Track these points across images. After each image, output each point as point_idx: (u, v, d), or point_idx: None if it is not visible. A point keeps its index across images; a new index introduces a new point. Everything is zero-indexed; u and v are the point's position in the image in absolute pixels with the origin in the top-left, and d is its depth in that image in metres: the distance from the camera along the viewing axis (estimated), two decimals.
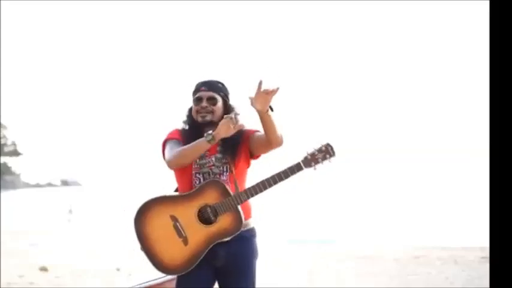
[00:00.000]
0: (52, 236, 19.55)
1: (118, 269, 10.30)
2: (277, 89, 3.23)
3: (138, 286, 4.14)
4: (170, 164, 3.44)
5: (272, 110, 3.32)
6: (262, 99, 3.24)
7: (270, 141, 3.39)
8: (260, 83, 3.25)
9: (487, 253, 11.50)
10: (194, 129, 3.54)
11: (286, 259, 12.52)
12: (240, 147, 3.51)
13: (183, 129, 3.60)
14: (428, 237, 18.23)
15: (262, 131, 3.44)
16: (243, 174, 3.56)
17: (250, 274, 3.45)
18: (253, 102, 3.26)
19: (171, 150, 3.47)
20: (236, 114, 3.42)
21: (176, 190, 3.59)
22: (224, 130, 3.31)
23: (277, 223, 25.88)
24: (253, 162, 3.61)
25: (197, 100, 3.53)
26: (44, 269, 10.56)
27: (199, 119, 3.51)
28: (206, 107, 3.50)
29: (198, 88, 3.56)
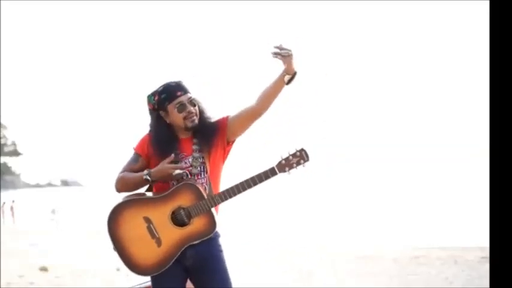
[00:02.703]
0: (52, 236, 19.56)
1: (118, 269, 10.31)
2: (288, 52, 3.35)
3: (138, 286, 4.14)
4: (115, 187, 3.53)
5: (294, 78, 3.40)
6: (289, 59, 3.35)
7: (261, 107, 3.46)
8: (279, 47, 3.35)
9: (487, 253, 11.50)
10: (170, 134, 3.49)
11: (286, 259, 12.52)
12: (215, 139, 3.50)
13: (154, 139, 3.50)
14: (428, 237, 18.23)
15: (234, 112, 3.52)
16: (218, 172, 3.55)
17: (223, 269, 3.46)
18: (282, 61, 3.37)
19: (122, 169, 3.54)
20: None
21: (148, 190, 3.59)
22: (163, 177, 3.39)
23: (277, 222, 25.86)
24: (230, 163, 3.62)
25: (181, 106, 3.44)
26: (44, 269, 10.57)
27: (189, 124, 3.45)
28: (192, 110, 3.46)
29: (173, 94, 3.46)
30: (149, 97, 3.52)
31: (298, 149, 3.43)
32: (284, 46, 3.36)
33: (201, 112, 3.53)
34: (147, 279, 4.03)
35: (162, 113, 3.49)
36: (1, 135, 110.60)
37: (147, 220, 3.37)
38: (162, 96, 3.47)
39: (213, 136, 3.49)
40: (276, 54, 3.35)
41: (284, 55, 3.33)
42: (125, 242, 3.39)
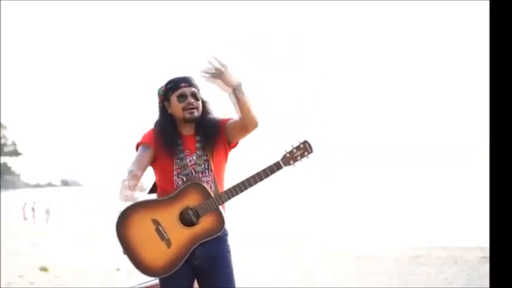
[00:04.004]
0: (52, 236, 19.56)
1: (118, 269, 10.32)
2: (223, 67, 3.28)
3: (138, 286, 4.14)
4: None
5: (239, 89, 3.31)
6: (219, 77, 3.29)
7: (245, 122, 3.40)
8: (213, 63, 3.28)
9: (487, 253, 11.51)
10: (172, 127, 3.49)
11: (286, 259, 12.52)
12: (217, 138, 3.49)
13: (158, 131, 3.52)
14: (428, 237, 18.23)
15: (235, 118, 3.46)
16: (222, 170, 3.55)
17: (229, 270, 3.46)
18: (219, 85, 3.31)
19: (132, 166, 3.49)
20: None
21: (152, 190, 3.59)
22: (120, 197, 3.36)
23: (278, 222, 25.87)
24: (233, 159, 3.61)
25: (181, 97, 3.47)
26: (44, 269, 10.57)
27: (188, 115, 3.46)
28: (193, 103, 3.47)
29: (177, 84, 3.50)
30: (159, 89, 3.57)
31: (302, 141, 3.43)
32: (214, 62, 3.28)
33: (206, 111, 3.53)
34: (147, 279, 4.03)
35: (166, 103, 3.53)
36: (1, 135, 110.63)
37: (156, 222, 3.37)
38: (168, 86, 3.51)
39: (214, 135, 3.48)
40: (205, 76, 3.29)
41: (213, 76, 3.29)
42: (135, 245, 3.38)
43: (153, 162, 3.51)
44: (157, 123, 3.55)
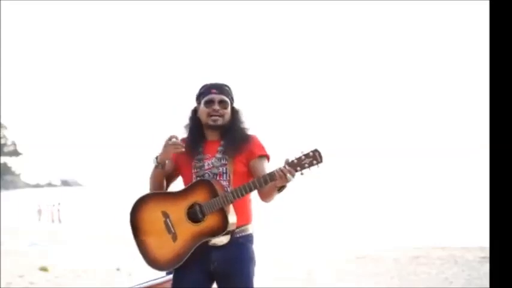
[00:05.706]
0: (52, 236, 19.56)
1: (118, 269, 10.32)
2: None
3: (138, 286, 4.14)
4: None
5: (283, 188, 3.36)
6: (284, 179, 3.29)
7: (260, 196, 3.48)
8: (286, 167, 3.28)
9: (487, 253, 11.51)
10: (197, 131, 3.54)
11: (286, 259, 12.53)
12: (244, 147, 3.48)
13: (186, 137, 3.57)
14: (428, 237, 18.24)
15: (263, 163, 3.48)
16: (241, 177, 3.48)
17: (247, 279, 3.42)
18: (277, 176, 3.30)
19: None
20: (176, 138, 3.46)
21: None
22: (165, 153, 3.43)
23: (278, 223, 25.87)
24: None
25: (208, 102, 3.49)
26: (44, 269, 10.57)
27: (211, 122, 3.48)
28: (218, 110, 3.48)
29: (209, 90, 3.53)
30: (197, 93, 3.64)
31: (312, 149, 3.30)
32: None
33: (236, 119, 3.53)
34: (147, 279, 4.03)
35: (197, 106, 3.59)
36: (1, 135, 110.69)
37: (165, 214, 3.42)
38: (201, 90, 3.58)
39: (240, 143, 3.47)
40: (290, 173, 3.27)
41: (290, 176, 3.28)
42: (143, 235, 3.47)
43: (176, 164, 3.57)
44: (186, 126, 3.61)
